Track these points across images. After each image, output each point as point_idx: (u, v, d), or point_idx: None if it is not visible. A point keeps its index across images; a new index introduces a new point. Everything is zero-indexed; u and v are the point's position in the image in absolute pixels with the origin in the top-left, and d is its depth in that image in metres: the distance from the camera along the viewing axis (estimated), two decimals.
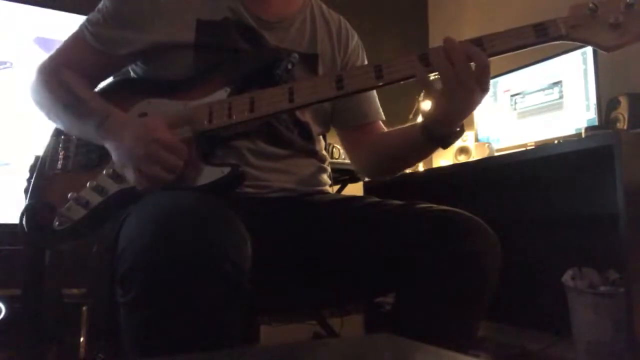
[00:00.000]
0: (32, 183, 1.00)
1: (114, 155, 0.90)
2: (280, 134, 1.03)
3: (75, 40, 1.05)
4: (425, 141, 0.96)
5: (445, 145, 0.96)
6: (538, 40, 0.85)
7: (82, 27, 1.04)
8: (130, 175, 0.87)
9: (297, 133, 1.06)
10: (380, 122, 1.18)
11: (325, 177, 1.14)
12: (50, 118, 1.02)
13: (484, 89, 0.86)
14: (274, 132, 1.02)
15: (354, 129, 1.17)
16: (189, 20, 1.01)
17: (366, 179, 2.40)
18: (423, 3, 3.26)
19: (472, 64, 0.84)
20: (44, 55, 1.07)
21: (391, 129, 1.16)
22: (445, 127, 0.93)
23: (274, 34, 1.06)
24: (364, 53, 1.22)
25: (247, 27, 1.04)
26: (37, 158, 1.04)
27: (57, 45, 1.08)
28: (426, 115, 0.96)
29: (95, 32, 1.03)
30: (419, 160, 1.09)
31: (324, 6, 1.20)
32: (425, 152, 1.04)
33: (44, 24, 2.11)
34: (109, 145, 0.91)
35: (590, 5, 0.83)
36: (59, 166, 1.00)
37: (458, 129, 0.94)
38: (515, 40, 0.85)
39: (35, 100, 1.03)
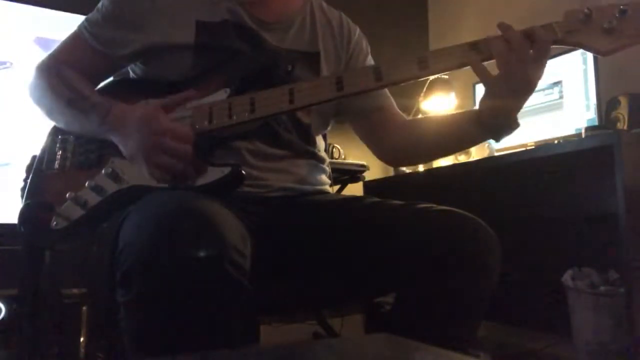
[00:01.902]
0: (29, 183, 1.00)
1: (123, 149, 0.89)
2: (279, 135, 1.03)
3: (75, 39, 1.06)
4: (478, 132, 0.95)
5: (499, 137, 0.95)
6: None
7: (82, 27, 1.05)
8: (142, 168, 0.87)
9: (296, 134, 1.06)
10: (397, 108, 1.16)
11: (324, 177, 1.14)
12: (50, 116, 1.02)
13: (543, 65, 0.86)
14: (273, 133, 1.02)
15: (375, 115, 1.15)
16: (188, 21, 1.01)
17: (366, 179, 2.40)
18: (423, 3, 3.26)
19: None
20: (44, 56, 1.07)
21: (433, 115, 1.14)
22: (503, 117, 0.92)
23: (273, 35, 1.06)
24: (368, 46, 1.21)
25: (247, 28, 1.04)
26: (33, 158, 1.04)
27: (57, 45, 1.08)
28: (483, 105, 0.94)
29: (94, 32, 1.03)
30: (461, 150, 1.08)
31: (324, 3, 1.20)
32: (473, 143, 1.04)
33: (44, 24, 2.11)
34: (115, 139, 0.90)
35: (585, 10, 0.85)
36: (57, 166, 0.99)
37: (514, 120, 0.93)
38: None
39: (35, 98, 1.03)
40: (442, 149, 1.11)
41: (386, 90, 1.16)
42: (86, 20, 1.05)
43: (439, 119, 1.09)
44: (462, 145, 1.09)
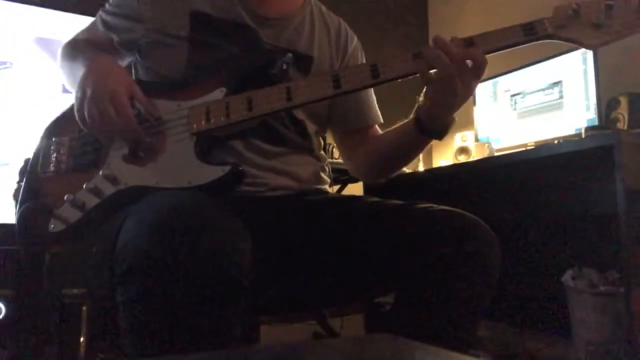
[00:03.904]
0: (24, 185, 1.00)
1: (81, 80, 0.91)
2: (276, 131, 1.03)
3: (92, 23, 1.14)
4: (420, 135, 0.97)
5: (441, 136, 0.97)
6: (526, 39, 0.88)
7: (99, 12, 1.13)
8: (81, 103, 0.89)
9: (294, 130, 1.06)
10: (377, 126, 1.18)
11: (324, 177, 1.14)
12: (63, 77, 1.11)
13: (479, 78, 0.89)
14: (270, 130, 1.02)
15: (353, 132, 1.17)
16: (183, 12, 1.02)
17: None
18: (423, 3, 3.26)
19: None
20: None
21: (389, 129, 1.16)
22: (442, 118, 0.94)
23: (269, 32, 1.06)
24: (363, 56, 1.21)
25: (242, 24, 1.04)
26: (27, 161, 1.04)
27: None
28: (422, 109, 0.96)
29: (103, 18, 1.10)
30: (413, 157, 1.10)
31: (324, 8, 1.19)
32: (420, 147, 1.04)
33: (44, 24, 2.11)
34: (84, 72, 0.93)
35: (573, 6, 0.87)
36: (52, 168, 0.99)
37: (451, 120, 0.95)
38: (505, 39, 0.88)
39: (59, 66, 1.13)
40: (398, 161, 1.13)
41: (375, 107, 1.18)
42: (102, 7, 1.13)
43: (390, 132, 1.11)
44: (413, 152, 1.09)
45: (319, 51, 1.12)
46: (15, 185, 1.02)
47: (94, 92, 0.87)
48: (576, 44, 0.89)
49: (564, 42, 0.90)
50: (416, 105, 0.98)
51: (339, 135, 1.20)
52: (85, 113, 0.88)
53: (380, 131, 1.18)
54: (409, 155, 1.11)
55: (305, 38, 1.11)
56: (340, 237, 0.97)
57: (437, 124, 0.95)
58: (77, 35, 1.14)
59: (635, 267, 1.37)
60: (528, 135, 2.21)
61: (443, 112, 0.93)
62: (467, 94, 0.89)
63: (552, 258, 2.01)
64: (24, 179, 1.01)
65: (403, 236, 0.91)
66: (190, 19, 1.02)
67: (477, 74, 0.87)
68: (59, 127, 1.05)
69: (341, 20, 1.21)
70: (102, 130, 0.89)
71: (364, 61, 1.21)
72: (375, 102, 1.19)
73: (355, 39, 1.21)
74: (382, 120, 1.18)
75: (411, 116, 1.00)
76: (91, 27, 1.14)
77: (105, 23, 1.10)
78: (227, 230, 0.70)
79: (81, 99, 0.89)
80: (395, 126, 1.08)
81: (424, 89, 0.93)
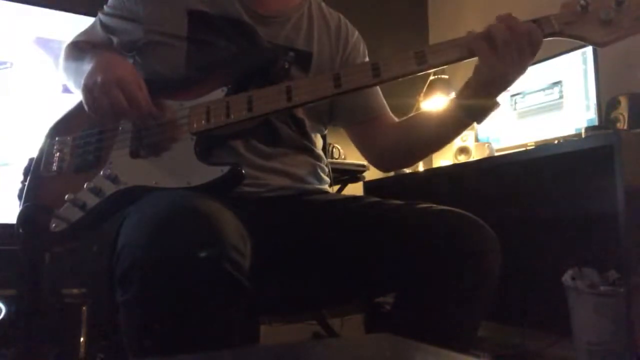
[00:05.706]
0: (27, 185, 1.00)
1: (87, 75, 0.92)
2: (276, 130, 1.03)
3: (91, 26, 1.14)
4: (462, 116, 0.97)
5: (481, 119, 0.97)
6: None
7: (98, 14, 1.13)
8: (90, 93, 0.90)
9: (293, 128, 1.06)
10: (390, 112, 1.17)
11: (323, 176, 1.13)
12: (68, 78, 1.09)
13: (534, 54, 0.89)
14: (270, 130, 1.02)
15: (366, 123, 1.15)
16: (180, 11, 1.03)
17: (366, 179, 2.40)
18: (423, 3, 3.26)
19: None
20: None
21: (411, 114, 1.14)
22: (492, 91, 0.94)
23: (268, 29, 1.06)
24: (365, 49, 1.21)
25: (241, 21, 1.04)
26: (31, 160, 1.04)
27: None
28: (468, 89, 0.96)
29: (102, 20, 1.11)
30: (449, 141, 1.09)
31: (323, 4, 1.19)
32: (461, 127, 1.03)
33: (44, 24, 2.10)
34: (90, 68, 0.93)
35: (582, 2, 0.85)
36: (55, 168, 1.00)
37: (495, 102, 0.96)
38: None
39: (61, 68, 1.12)
40: (434, 143, 1.11)
41: (380, 95, 1.17)
42: (101, 8, 1.12)
43: (425, 113, 1.10)
44: (450, 134, 1.07)
45: (318, 47, 1.11)
46: (19, 185, 1.02)
47: (103, 79, 0.88)
48: (584, 41, 0.87)
49: (568, 40, 0.89)
50: (416, 105, 0.98)
51: (351, 128, 1.18)
52: (95, 100, 0.89)
53: (394, 117, 1.17)
54: (444, 141, 1.10)
55: (303, 34, 1.11)
56: (340, 237, 0.97)
57: (483, 103, 0.95)
58: (77, 37, 1.14)
59: (635, 267, 1.37)
60: (528, 135, 2.21)
61: (496, 85, 0.92)
62: (523, 66, 0.89)
63: (552, 258, 2.01)
64: (27, 179, 1.01)
65: (403, 236, 0.91)
66: (187, 18, 1.02)
67: (534, 50, 0.87)
68: (63, 126, 1.05)
69: (341, 15, 1.21)
70: (112, 115, 0.90)
71: (366, 53, 1.21)
72: (380, 91, 1.18)
73: (356, 32, 1.20)
74: (385, 104, 1.17)
75: (451, 99, 0.99)
76: (90, 30, 1.14)
77: (104, 25, 1.10)
78: (227, 230, 0.70)
79: (90, 87, 0.90)
80: (428, 111, 1.07)
81: (475, 68, 0.92)
